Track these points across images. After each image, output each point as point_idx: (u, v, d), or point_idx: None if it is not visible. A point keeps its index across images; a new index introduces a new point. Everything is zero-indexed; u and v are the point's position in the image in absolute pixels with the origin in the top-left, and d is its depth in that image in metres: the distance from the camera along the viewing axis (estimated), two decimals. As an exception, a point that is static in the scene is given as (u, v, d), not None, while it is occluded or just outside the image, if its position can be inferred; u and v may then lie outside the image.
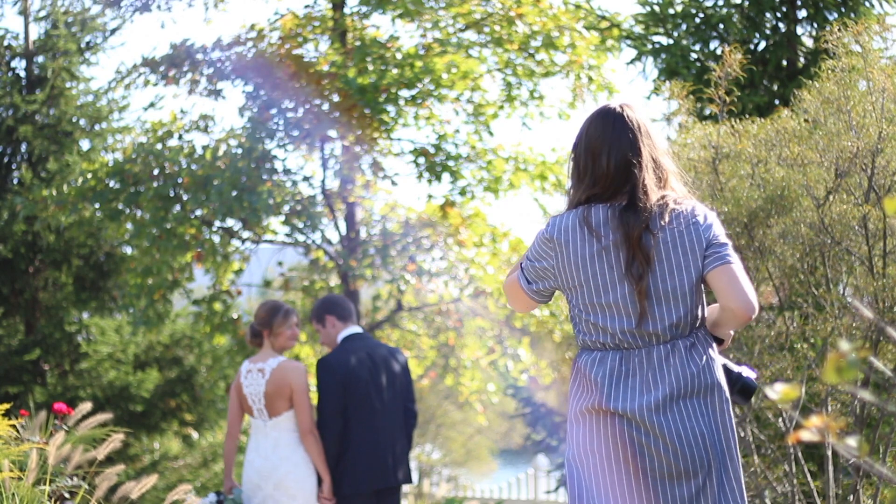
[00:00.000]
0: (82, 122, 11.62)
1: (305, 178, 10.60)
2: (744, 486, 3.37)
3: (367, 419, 6.20)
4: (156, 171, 10.21)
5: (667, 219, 3.30)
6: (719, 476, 3.31)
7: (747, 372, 3.44)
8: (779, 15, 8.29)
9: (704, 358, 3.32)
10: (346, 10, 10.79)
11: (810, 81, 5.34)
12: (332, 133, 10.40)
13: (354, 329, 6.35)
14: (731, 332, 3.45)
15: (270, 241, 11.02)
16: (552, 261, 3.39)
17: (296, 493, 6.07)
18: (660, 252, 3.30)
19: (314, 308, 6.46)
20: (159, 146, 10.49)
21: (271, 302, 6.30)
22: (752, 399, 3.38)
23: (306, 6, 10.83)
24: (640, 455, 3.28)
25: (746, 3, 8.26)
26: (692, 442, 3.27)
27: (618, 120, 3.37)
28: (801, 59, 8.26)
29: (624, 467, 3.29)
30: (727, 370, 3.43)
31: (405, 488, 14.57)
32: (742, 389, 3.42)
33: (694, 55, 8.33)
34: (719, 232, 3.35)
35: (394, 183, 10.67)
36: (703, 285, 3.36)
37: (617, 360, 3.33)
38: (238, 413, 6.26)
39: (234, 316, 10.76)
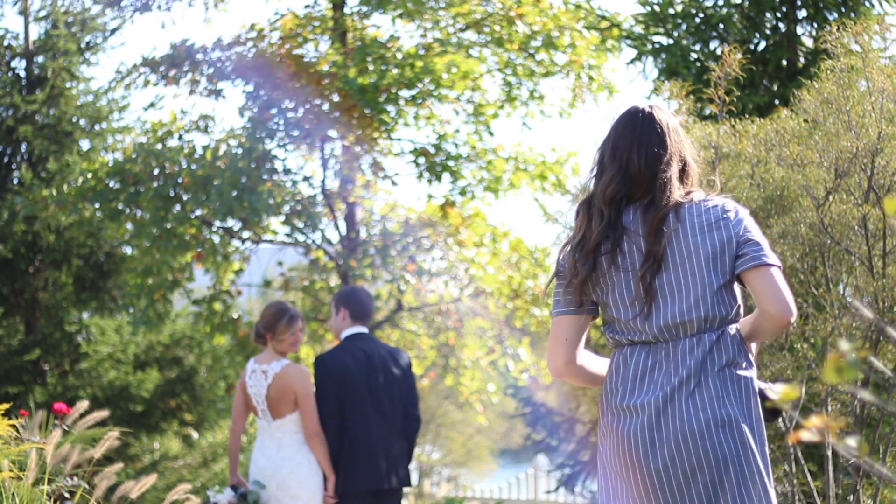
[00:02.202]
0: (82, 122, 11.62)
1: (305, 178, 10.60)
2: (769, 484, 3.33)
3: (361, 419, 6.18)
4: (156, 171, 10.21)
5: (691, 213, 3.30)
6: (740, 472, 3.28)
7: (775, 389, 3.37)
8: (779, 15, 8.29)
9: (731, 352, 3.30)
10: (347, 10, 10.79)
11: (810, 81, 5.34)
12: (332, 133, 10.40)
13: (360, 329, 6.34)
14: (756, 345, 3.43)
15: (270, 241, 11.02)
16: (576, 276, 3.37)
17: (298, 493, 6.07)
18: (681, 247, 3.29)
19: (338, 292, 6.42)
20: (159, 146, 10.49)
21: (277, 304, 6.28)
22: (780, 418, 3.27)
23: (306, 6, 10.83)
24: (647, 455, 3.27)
25: (746, 3, 8.26)
26: (709, 430, 3.26)
27: (646, 119, 3.38)
28: (801, 59, 8.26)
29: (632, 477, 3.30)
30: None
31: (405, 489, 14.56)
32: (769, 408, 3.38)
33: (694, 55, 8.33)
34: (752, 228, 3.32)
35: (394, 183, 10.67)
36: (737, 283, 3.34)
37: (643, 354, 3.34)
38: (243, 410, 6.27)
39: (234, 316, 10.76)
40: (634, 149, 3.35)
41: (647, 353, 3.33)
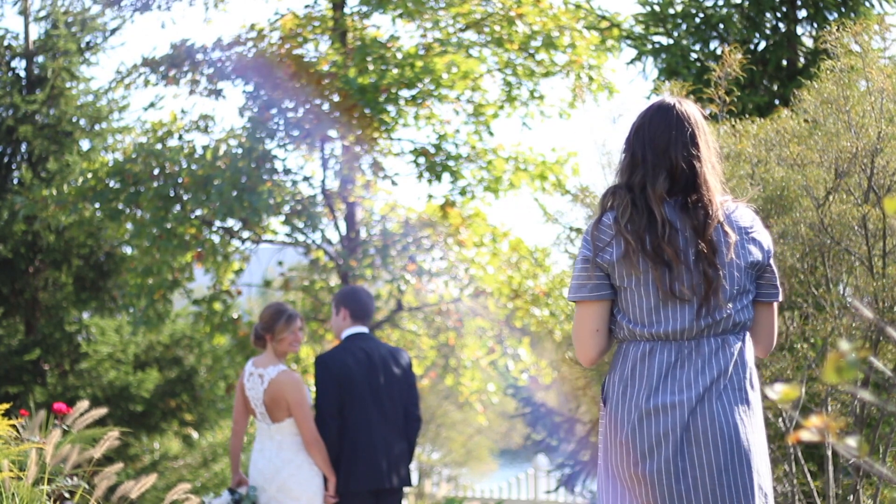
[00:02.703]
0: (82, 122, 11.62)
1: (305, 178, 10.60)
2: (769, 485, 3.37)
3: (362, 419, 6.18)
4: (156, 171, 10.21)
5: (733, 219, 3.36)
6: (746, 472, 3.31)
7: None
8: (779, 15, 8.29)
9: (751, 358, 3.38)
10: (347, 10, 10.79)
11: (810, 81, 5.34)
12: (333, 133, 10.40)
13: (360, 329, 6.33)
14: None
15: (270, 241, 11.02)
16: (611, 256, 3.36)
17: (299, 495, 6.06)
18: (728, 252, 3.33)
19: (338, 292, 6.43)
20: (159, 146, 10.48)
21: (275, 305, 6.27)
22: None
23: (306, 6, 10.83)
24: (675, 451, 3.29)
25: (746, 3, 8.26)
26: (730, 434, 3.29)
27: (678, 115, 3.39)
28: (801, 59, 8.26)
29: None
30: None
31: (405, 489, 14.56)
32: None
33: (694, 55, 8.33)
34: (772, 251, 3.44)
35: (394, 183, 10.67)
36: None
37: (667, 351, 3.34)
38: (243, 411, 6.27)
39: (234, 316, 10.76)
40: (672, 146, 3.35)
41: (671, 349, 3.33)
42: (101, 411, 5.14)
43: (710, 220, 3.30)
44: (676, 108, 3.40)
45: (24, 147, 11.58)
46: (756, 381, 3.38)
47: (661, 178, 3.33)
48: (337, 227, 10.95)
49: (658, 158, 3.35)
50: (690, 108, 3.42)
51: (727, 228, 3.32)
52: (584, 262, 3.38)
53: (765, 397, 5.26)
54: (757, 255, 3.35)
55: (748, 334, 3.40)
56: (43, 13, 11.74)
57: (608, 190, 3.43)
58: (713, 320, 3.31)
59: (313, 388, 6.55)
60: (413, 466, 14.63)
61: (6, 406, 4.77)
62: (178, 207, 10.24)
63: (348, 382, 6.17)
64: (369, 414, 6.19)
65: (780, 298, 3.43)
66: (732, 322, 3.33)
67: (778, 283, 3.43)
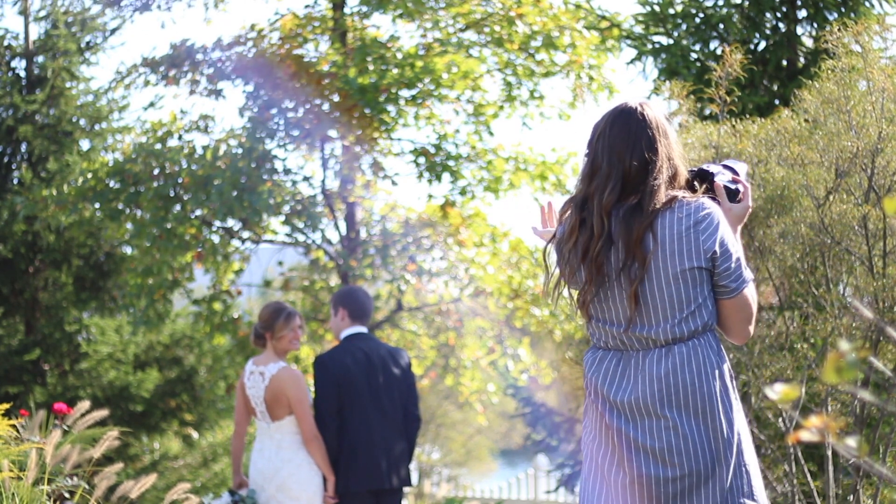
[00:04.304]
0: (82, 122, 11.62)
1: (305, 178, 10.60)
2: (754, 483, 3.34)
3: (362, 419, 6.18)
4: (156, 171, 10.21)
5: (670, 222, 3.27)
6: (717, 477, 3.29)
7: (724, 175, 3.45)
8: (779, 15, 8.29)
9: (703, 365, 3.30)
10: (347, 10, 10.79)
11: (810, 81, 5.34)
12: (333, 133, 10.40)
13: (359, 329, 6.34)
14: None
15: (270, 241, 11.02)
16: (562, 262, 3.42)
17: (298, 494, 6.06)
18: (656, 256, 3.27)
19: (335, 293, 6.44)
20: (159, 146, 10.48)
21: (274, 304, 6.27)
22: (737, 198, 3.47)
23: (306, 6, 10.83)
24: (627, 447, 3.30)
25: (746, 3, 8.26)
26: (678, 450, 3.27)
27: (638, 119, 3.34)
28: (801, 59, 8.26)
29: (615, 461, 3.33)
30: (703, 172, 3.44)
31: (405, 489, 14.58)
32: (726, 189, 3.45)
33: (694, 55, 8.33)
34: (728, 239, 3.30)
35: (394, 183, 10.66)
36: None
37: (614, 361, 3.36)
38: (244, 412, 6.27)
39: (234, 316, 10.76)
40: (628, 152, 3.31)
41: (619, 358, 3.36)
42: (102, 413, 5.15)
43: (641, 227, 3.25)
44: (637, 112, 3.34)
45: (24, 147, 11.58)
46: (715, 384, 3.29)
47: (611, 186, 3.30)
48: (337, 227, 10.95)
49: (613, 166, 3.32)
50: (652, 112, 3.36)
51: (657, 236, 3.26)
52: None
53: (765, 397, 5.26)
54: (693, 260, 3.26)
55: (707, 337, 3.32)
56: (43, 13, 11.74)
57: (566, 201, 3.44)
58: (647, 335, 3.29)
59: (313, 389, 6.55)
60: (413, 466, 14.61)
61: (6, 406, 4.77)
62: (178, 207, 10.24)
63: (348, 383, 6.17)
64: (369, 414, 6.19)
65: (744, 285, 3.31)
66: (672, 336, 3.28)
67: (738, 273, 3.30)
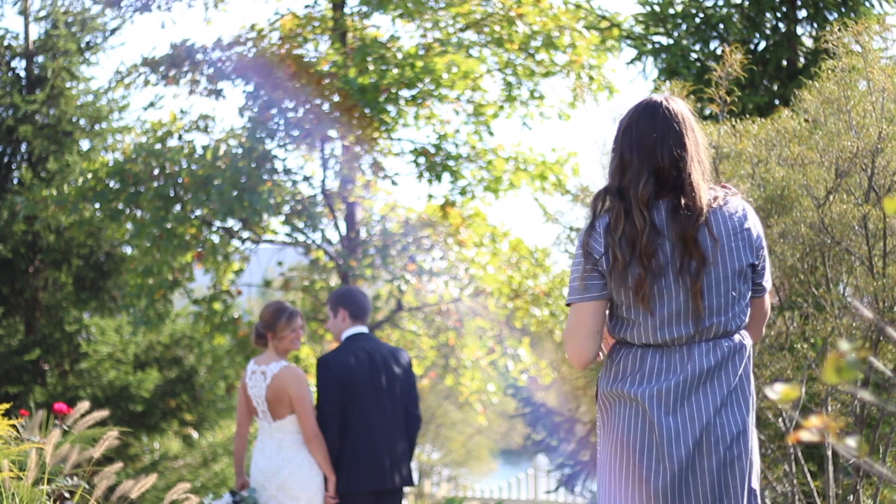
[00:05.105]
0: (82, 122, 11.62)
1: (305, 178, 10.59)
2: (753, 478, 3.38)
3: (364, 419, 6.19)
4: (156, 171, 10.20)
5: (720, 220, 3.32)
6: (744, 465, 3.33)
7: None
8: (779, 15, 8.29)
9: (747, 360, 3.37)
10: (347, 10, 10.79)
11: (810, 81, 5.34)
12: (333, 133, 10.40)
13: (361, 329, 6.34)
14: None
15: (270, 241, 11.01)
16: (603, 266, 3.35)
17: (298, 494, 6.06)
18: (715, 253, 3.30)
19: (333, 294, 6.43)
20: (159, 146, 10.48)
21: (275, 304, 6.27)
22: None
23: (306, 6, 10.83)
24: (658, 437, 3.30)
25: (746, 3, 8.26)
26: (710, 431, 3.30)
27: (665, 112, 3.35)
28: (801, 59, 8.26)
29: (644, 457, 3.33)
30: None
31: (405, 489, 14.59)
32: None
33: (694, 55, 8.33)
34: (764, 244, 3.42)
35: (394, 183, 10.66)
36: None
37: (657, 357, 3.34)
38: (246, 412, 6.27)
39: (235, 316, 10.76)
40: (658, 146, 3.32)
41: (661, 354, 3.34)
42: (103, 413, 5.14)
43: (696, 225, 3.27)
44: (663, 107, 3.36)
45: (24, 147, 11.58)
46: (751, 381, 3.38)
47: (644, 179, 3.30)
48: (337, 227, 10.94)
49: (644, 160, 3.32)
50: (678, 106, 3.38)
51: (714, 233, 3.29)
52: (579, 267, 3.38)
53: (765, 397, 5.26)
54: (748, 257, 3.32)
55: (744, 332, 3.39)
56: (43, 13, 11.74)
57: (599, 193, 3.41)
58: (702, 328, 3.31)
59: (314, 389, 6.55)
60: (413, 466, 14.63)
61: (6, 406, 4.77)
62: (178, 207, 10.24)
63: (351, 383, 6.17)
64: (372, 414, 6.20)
65: (770, 286, 3.44)
66: (723, 330, 3.32)
67: (768, 272, 3.42)
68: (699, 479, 3.28)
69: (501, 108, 10.72)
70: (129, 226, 10.52)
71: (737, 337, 3.35)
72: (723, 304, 3.30)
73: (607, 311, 3.41)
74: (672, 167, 3.31)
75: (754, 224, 3.37)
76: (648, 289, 3.29)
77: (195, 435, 11.93)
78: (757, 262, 3.35)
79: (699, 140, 3.39)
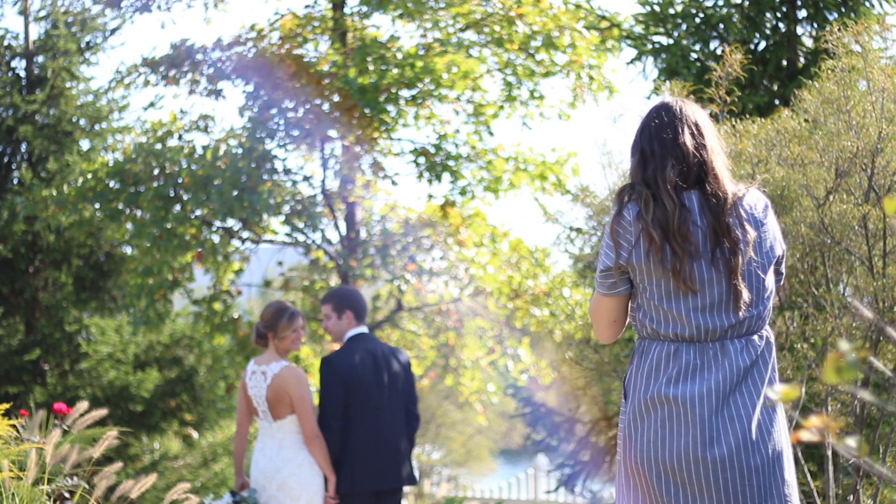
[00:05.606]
0: (82, 122, 11.62)
1: (305, 178, 10.59)
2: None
3: (368, 419, 6.19)
4: (156, 171, 10.20)
5: (750, 208, 3.36)
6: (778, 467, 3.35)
7: None
8: (779, 15, 8.29)
9: (774, 358, 3.40)
10: (347, 10, 10.79)
11: (810, 81, 5.34)
12: (333, 133, 10.40)
13: (362, 329, 6.35)
14: None
15: (270, 241, 11.01)
16: (632, 257, 3.37)
17: (299, 494, 6.06)
18: (748, 244, 3.33)
19: (335, 294, 6.41)
20: (159, 146, 10.48)
21: (276, 304, 6.27)
22: None
23: (306, 6, 10.83)
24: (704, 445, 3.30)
25: (746, 3, 8.26)
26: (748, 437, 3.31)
27: (681, 109, 3.44)
28: (801, 59, 8.26)
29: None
30: None
31: (406, 489, 14.58)
32: None
33: (694, 55, 8.33)
34: (780, 235, 3.47)
35: (394, 183, 10.66)
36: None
37: (692, 352, 3.33)
38: (246, 412, 6.27)
39: (235, 316, 10.75)
40: (680, 136, 3.37)
41: (696, 350, 3.33)
42: (102, 412, 5.14)
43: (727, 216, 3.31)
44: (679, 105, 3.45)
45: (24, 147, 11.58)
46: (776, 372, 3.42)
47: (670, 164, 3.35)
48: (337, 227, 10.94)
49: (666, 150, 3.37)
50: (690, 108, 3.46)
51: (746, 225, 3.33)
52: (606, 260, 3.40)
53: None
54: (777, 249, 3.39)
55: (767, 327, 3.42)
56: (43, 13, 11.74)
57: (625, 186, 3.43)
58: (737, 321, 3.31)
59: (316, 389, 6.55)
60: (413, 466, 14.61)
61: (6, 406, 4.77)
62: (178, 207, 10.24)
63: (356, 384, 6.18)
64: (375, 414, 6.21)
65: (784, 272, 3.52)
66: (755, 325, 3.35)
67: (784, 265, 3.49)
68: (746, 479, 3.28)
69: (501, 108, 10.71)
70: (129, 226, 10.52)
71: (764, 333, 3.38)
72: (755, 297, 3.33)
73: (635, 304, 3.44)
74: (694, 156, 3.36)
75: (773, 216, 3.43)
76: (688, 269, 3.30)
77: (195, 435, 11.93)
78: (781, 253, 3.42)
79: (715, 138, 3.46)
